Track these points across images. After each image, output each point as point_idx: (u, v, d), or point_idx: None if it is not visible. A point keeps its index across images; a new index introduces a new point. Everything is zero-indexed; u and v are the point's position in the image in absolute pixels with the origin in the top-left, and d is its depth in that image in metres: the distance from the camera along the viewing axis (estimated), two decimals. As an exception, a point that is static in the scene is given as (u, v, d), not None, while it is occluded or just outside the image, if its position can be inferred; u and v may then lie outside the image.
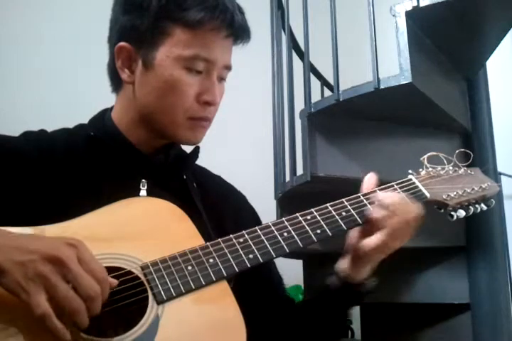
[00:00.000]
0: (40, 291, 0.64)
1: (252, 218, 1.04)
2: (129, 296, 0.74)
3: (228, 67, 0.93)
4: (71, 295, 0.65)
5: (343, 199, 0.90)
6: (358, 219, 0.88)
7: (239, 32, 0.90)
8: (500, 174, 2.55)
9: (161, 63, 0.88)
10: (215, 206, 0.98)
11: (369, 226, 0.88)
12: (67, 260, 0.66)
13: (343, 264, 0.92)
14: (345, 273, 0.91)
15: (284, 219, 0.86)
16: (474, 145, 2.07)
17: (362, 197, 0.91)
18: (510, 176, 3.03)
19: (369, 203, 0.90)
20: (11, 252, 0.65)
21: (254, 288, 0.94)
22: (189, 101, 0.89)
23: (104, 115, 0.97)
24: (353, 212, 0.89)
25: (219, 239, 0.81)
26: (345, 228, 0.87)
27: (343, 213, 0.88)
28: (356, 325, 2.52)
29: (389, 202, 0.88)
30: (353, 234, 0.91)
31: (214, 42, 0.88)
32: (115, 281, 0.71)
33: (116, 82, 0.95)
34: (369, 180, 0.95)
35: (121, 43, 0.90)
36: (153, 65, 0.88)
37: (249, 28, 0.92)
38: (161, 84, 0.88)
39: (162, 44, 0.88)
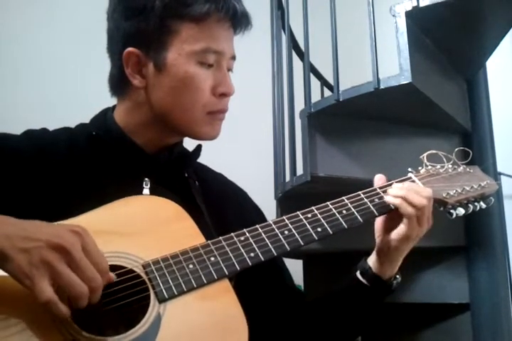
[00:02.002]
0: (44, 277, 0.65)
1: (256, 216, 1.04)
2: (130, 295, 0.74)
3: (234, 57, 0.94)
4: (76, 280, 0.66)
5: (344, 198, 0.91)
6: (359, 217, 0.88)
7: (242, 21, 0.92)
8: (500, 174, 2.55)
9: (174, 62, 0.88)
10: (217, 204, 0.98)
11: (392, 218, 0.90)
12: (72, 248, 0.66)
13: (374, 261, 0.94)
14: (377, 269, 0.93)
15: (284, 217, 0.86)
16: (474, 145, 2.07)
17: (362, 195, 0.91)
18: (510, 176, 3.03)
19: (369, 201, 0.90)
20: (16, 239, 0.65)
21: (262, 280, 0.95)
22: (206, 95, 0.90)
23: (105, 115, 0.97)
24: (353, 210, 0.89)
25: (220, 238, 0.82)
26: (345, 226, 0.87)
27: (344, 211, 0.88)
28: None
29: (399, 190, 0.90)
30: (379, 227, 0.92)
31: (220, 34, 0.90)
32: (114, 276, 0.72)
33: (122, 88, 0.94)
34: (379, 180, 0.95)
35: (129, 49, 0.89)
36: (166, 66, 0.88)
37: (249, 14, 0.93)
38: (177, 83, 0.88)
39: (171, 43, 0.88)
